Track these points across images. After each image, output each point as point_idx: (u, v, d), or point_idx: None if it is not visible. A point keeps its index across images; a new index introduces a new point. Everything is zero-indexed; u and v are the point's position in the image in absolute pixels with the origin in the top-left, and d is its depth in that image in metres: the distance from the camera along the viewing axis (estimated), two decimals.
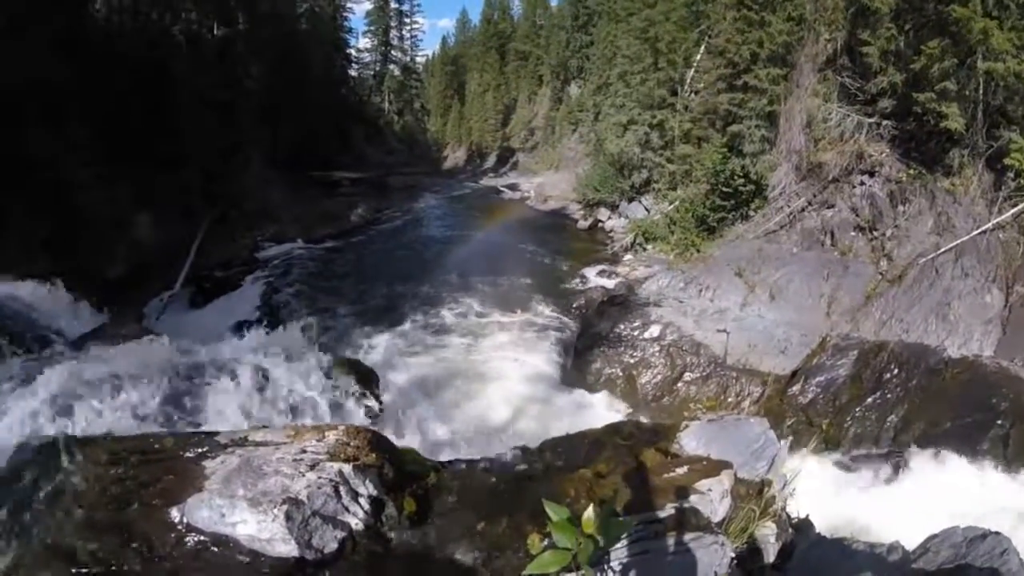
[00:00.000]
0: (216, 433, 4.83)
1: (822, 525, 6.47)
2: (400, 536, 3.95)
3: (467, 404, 14.21)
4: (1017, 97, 16.63)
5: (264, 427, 5.14)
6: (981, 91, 16.52)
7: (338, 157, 43.57)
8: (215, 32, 32.31)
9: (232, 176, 25.59)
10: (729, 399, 14.77)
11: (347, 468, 3.98)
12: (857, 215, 18.23)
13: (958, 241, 16.15)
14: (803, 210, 19.57)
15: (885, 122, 18.66)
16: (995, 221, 16.18)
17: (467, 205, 43.44)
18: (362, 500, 3.92)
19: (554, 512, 2.30)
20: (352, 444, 4.29)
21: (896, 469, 12.48)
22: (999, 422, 12.39)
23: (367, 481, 4.01)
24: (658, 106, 28.48)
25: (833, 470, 12.70)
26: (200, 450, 4.50)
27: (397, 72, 65.28)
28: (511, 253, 27.24)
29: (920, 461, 12.40)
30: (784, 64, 21.59)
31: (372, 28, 64.56)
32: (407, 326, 18.35)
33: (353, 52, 61.71)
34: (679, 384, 15.13)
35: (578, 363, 16.09)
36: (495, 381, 15.56)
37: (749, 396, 14.78)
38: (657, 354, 15.54)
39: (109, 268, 16.98)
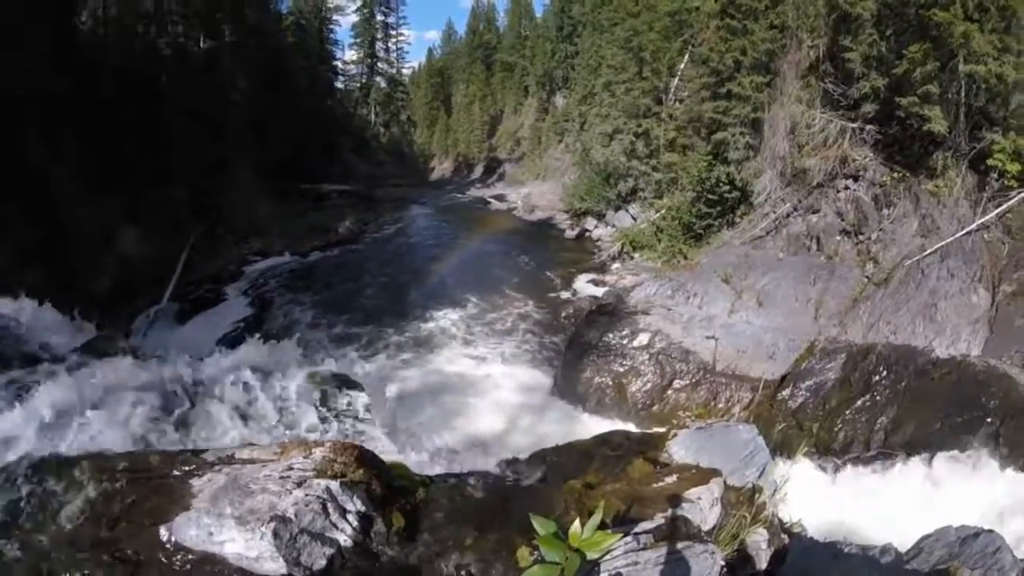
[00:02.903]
0: (203, 451, 4.80)
1: (815, 529, 6.49)
2: (389, 552, 3.93)
3: (457, 416, 14.19)
4: (999, 98, 16.75)
5: (251, 444, 5.12)
6: (963, 93, 16.62)
7: (325, 169, 43.50)
8: (201, 45, 32.29)
9: (220, 189, 25.50)
10: (719, 405, 14.78)
11: (334, 485, 3.96)
12: (842, 219, 18.30)
13: (943, 242, 16.22)
14: (788, 216, 19.62)
15: (868, 127, 18.75)
16: (979, 222, 16.27)
17: (454, 216, 43.46)
18: (350, 517, 3.91)
19: (541, 526, 2.29)
20: (339, 460, 4.27)
21: (887, 471, 12.53)
22: (989, 420, 12.47)
23: (355, 497, 3.99)
24: (643, 115, 28.63)
25: (825, 474, 12.72)
26: (187, 468, 4.47)
27: (383, 84, 65.28)
28: (499, 264, 27.31)
29: (911, 462, 12.46)
30: (767, 71, 21.72)
31: (358, 40, 64.57)
32: (395, 338, 18.31)
33: (339, 64, 61.81)
34: (669, 391, 15.12)
35: (568, 373, 16.06)
36: (484, 392, 15.55)
37: (739, 402, 14.80)
38: (646, 362, 15.53)
39: (97, 282, 16.88)
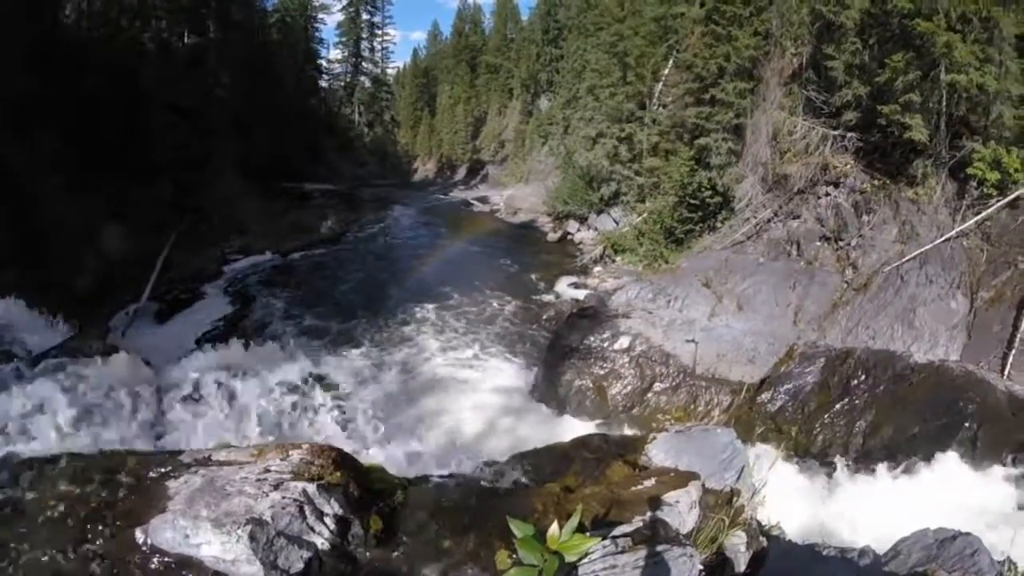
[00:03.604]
0: (179, 452, 4.75)
1: (794, 532, 6.51)
2: (367, 555, 3.91)
3: (438, 419, 14.15)
4: (980, 108, 16.94)
5: (228, 446, 5.07)
6: (944, 102, 16.79)
7: (309, 168, 43.33)
8: (185, 41, 32.04)
9: (202, 187, 25.28)
10: (699, 408, 14.84)
11: (311, 487, 3.93)
12: (822, 225, 18.46)
13: (922, 249, 16.39)
14: (769, 221, 19.79)
15: (850, 134, 18.95)
16: (958, 229, 16.44)
17: (437, 217, 43.39)
18: (327, 519, 3.87)
19: (518, 529, 2.29)
20: (316, 463, 4.23)
21: (866, 474, 12.59)
22: (966, 424, 12.57)
23: (332, 500, 3.96)
24: (627, 119, 28.72)
25: (804, 477, 12.77)
26: (163, 470, 4.42)
27: (368, 84, 64.97)
28: (481, 266, 27.30)
29: (889, 465, 12.54)
30: (750, 78, 21.88)
31: (343, 39, 64.29)
32: (375, 340, 18.26)
33: (324, 63, 61.52)
34: (649, 395, 15.17)
35: (549, 375, 16.07)
36: (466, 395, 15.53)
37: (719, 405, 14.86)
38: (627, 365, 15.57)
39: (77, 280, 16.71)
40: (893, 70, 16.94)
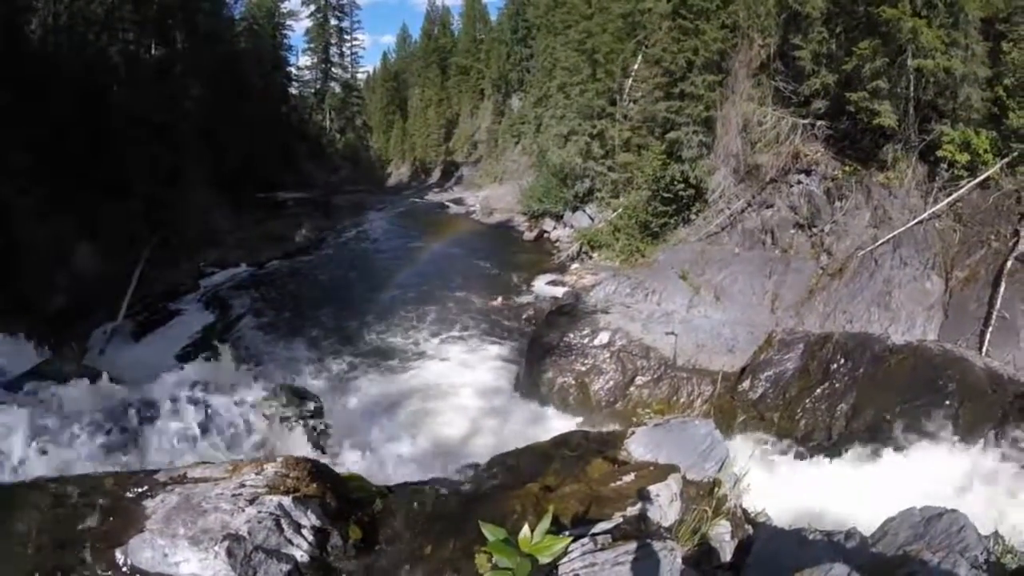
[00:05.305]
0: (155, 471, 4.73)
1: (780, 518, 6.52)
2: (347, 565, 3.90)
3: (419, 424, 14.06)
4: (947, 91, 17.11)
5: (203, 463, 5.05)
6: (912, 87, 16.96)
7: (281, 177, 43.10)
8: (153, 52, 31.72)
9: (174, 200, 25.02)
10: (681, 400, 14.89)
11: (287, 500, 3.92)
12: (796, 213, 18.60)
13: (895, 232, 16.57)
14: (743, 211, 19.89)
15: (819, 122, 19.09)
16: (930, 211, 16.62)
17: (413, 221, 43.26)
18: (305, 531, 3.86)
19: (491, 533, 2.27)
20: (292, 475, 4.22)
21: (850, 456, 12.69)
22: (947, 402, 12.69)
23: (309, 512, 3.95)
24: (598, 116, 28.75)
25: (788, 462, 12.84)
26: (140, 489, 4.40)
27: (338, 89, 64.55)
28: (459, 268, 27.27)
29: (873, 446, 12.63)
30: (719, 71, 21.98)
31: (312, 46, 63.82)
32: (353, 347, 18.18)
33: (293, 70, 61.12)
34: (631, 388, 15.19)
35: (530, 374, 16.05)
36: (447, 398, 15.47)
37: (700, 395, 14.92)
38: (608, 360, 15.58)
39: (50, 300, 16.51)
40: (860, 57, 17.11)
